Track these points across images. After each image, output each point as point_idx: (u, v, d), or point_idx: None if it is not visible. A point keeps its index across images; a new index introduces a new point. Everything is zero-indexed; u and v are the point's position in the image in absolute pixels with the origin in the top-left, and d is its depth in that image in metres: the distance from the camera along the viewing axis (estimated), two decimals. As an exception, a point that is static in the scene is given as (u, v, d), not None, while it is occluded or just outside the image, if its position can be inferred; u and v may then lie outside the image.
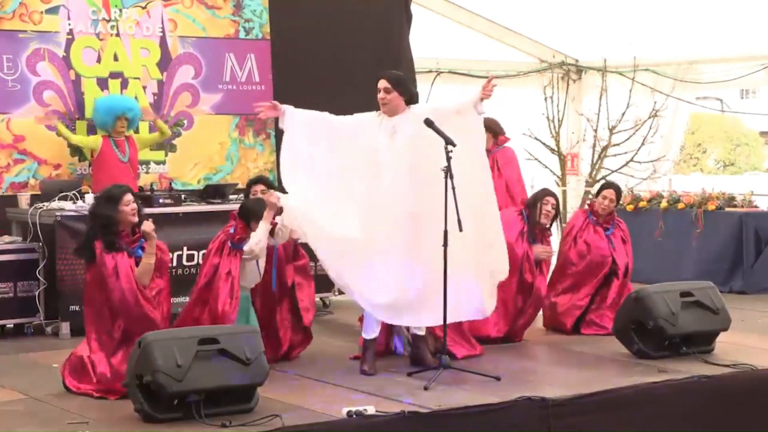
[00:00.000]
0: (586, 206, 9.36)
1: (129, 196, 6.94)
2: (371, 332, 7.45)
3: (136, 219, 6.96)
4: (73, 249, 7.08)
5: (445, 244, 7.01)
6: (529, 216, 8.48)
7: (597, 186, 14.19)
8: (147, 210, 8.75)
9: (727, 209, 11.33)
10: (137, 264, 6.89)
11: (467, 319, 7.61)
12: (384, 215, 7.30)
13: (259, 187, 8.09)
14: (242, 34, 10.80)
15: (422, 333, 7.59)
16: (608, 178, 14.24)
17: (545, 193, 8.60)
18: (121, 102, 9.89)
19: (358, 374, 7.29)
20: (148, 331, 6.37)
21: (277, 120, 10.88)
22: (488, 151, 9.40)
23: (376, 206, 7.32)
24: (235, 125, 10.77)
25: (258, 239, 7.40)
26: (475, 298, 7.44)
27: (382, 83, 7.42)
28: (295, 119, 7.58)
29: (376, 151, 7.38)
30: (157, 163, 10.36)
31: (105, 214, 6.89)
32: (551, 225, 8.65)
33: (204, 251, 9.04)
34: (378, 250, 7.29)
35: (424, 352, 7.56)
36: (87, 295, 6.98)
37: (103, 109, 9.77)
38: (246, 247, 7.40)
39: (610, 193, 9.06)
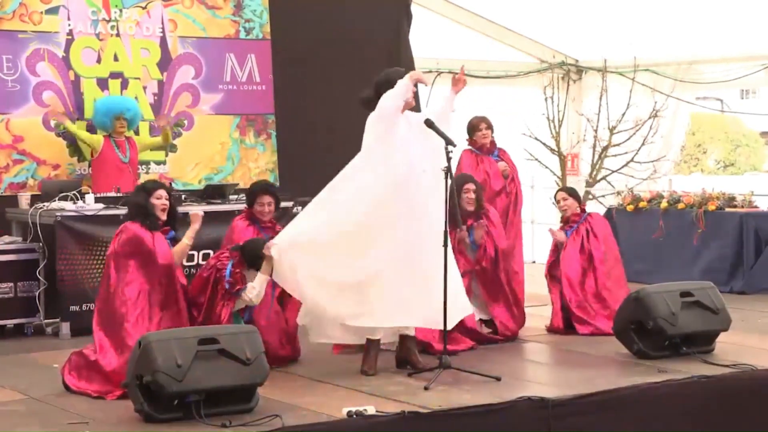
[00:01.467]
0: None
1: (162, 192, 7.21)
2: (376, 332, 7.42)
3: (164, 216, 7.18)
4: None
5: (445, 244, 7.02)
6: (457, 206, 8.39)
7: (598, 186, 14.30)
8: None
9: (727, 209, 11.32)
10: None
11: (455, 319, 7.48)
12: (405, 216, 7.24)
13: (266, 199, 7.91)
14: (242, 35, 10.81)
15: (412, 333, 7.54)
16: (608, 178, 14.30)
17: (463, 180, 8.48)
18: (119, 102, 9.89)
19: (358, 374, 7.28)
20: (172, 302, 7.01)
21: (277, 120, 10.92)
22: (491, 148, 9.41)
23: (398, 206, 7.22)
24: (235, 125, 10.77)
25: (257, 292, 7.29)
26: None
27: None
28: None
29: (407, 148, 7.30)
30: (158, 163, 10.37)
31: (137, 202, 7.18)
32: (479, 208, 8.53)
33: (204, 251, 9.11)
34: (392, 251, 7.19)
35: (411, 353, 7.51)
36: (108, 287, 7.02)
37: (101, 110, 9.79)
38: (245, 297, 7.30)
39: (560, 194, 9.28)
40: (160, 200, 7.17)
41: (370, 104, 7.35)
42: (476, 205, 8.51)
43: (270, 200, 7.94)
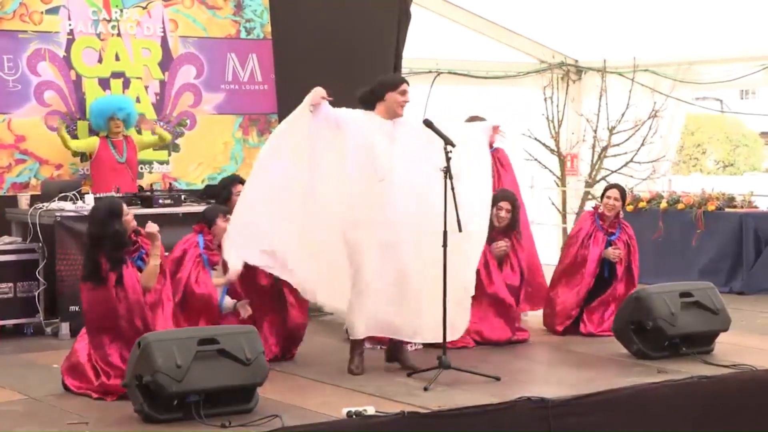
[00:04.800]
0: (592, 209, 9.34)
1: (124, 205, 6.92)
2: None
3: (135, 223, 6.92)
4: (82, 277, 6.85)
5: (445, 245, 7.02)
6: None
7: (597, 187, 14.30)
8: (147, 210, 8.81)
9: (726, 210, 11.33)
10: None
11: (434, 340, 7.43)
12: (384, 219, 7.26)
13: (240, 188, 8.03)
14: (243, 34, 10.81)
15: None
16: (608, 178, 14.28)
17: (502, 196, 8.52)
18: (112, 102, 9.86)
19: (358, 374, 7.30)
20: None
21: (280, 120, 10.91)
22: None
23: (373, 210, 7.25)
24: (238, 125, 10.78)
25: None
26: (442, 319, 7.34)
27: (407, 87, 7.45)
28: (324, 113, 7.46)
29: (375, 153, 7.29)
30: (160, 162, 10.36)
31: (114, 230, 6.74)
32: (511, 225, 8.58)
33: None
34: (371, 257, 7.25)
35: (401, 350, 7.54)
36: (91, 318, 6.85)
37: (95, 111, 9.79)
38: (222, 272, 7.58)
39: (614, 192, 9.02)
40: (128, 215, 6.85)
41: (368, 105, 7.43)
42: (509, 223, 8.54)
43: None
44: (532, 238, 9.52)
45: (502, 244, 8.47)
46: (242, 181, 8.17)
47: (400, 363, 7.50)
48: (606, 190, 9.17)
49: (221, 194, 8.30)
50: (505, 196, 8.57)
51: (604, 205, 9.03)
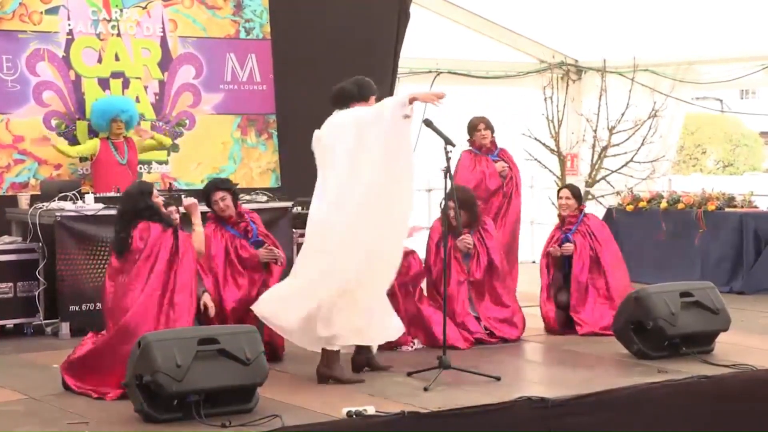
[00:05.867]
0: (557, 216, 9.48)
1: (156, 191, 7.19)
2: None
3: (164, 209, 7.18)
4: (113, 250, 7.01)
5: (445, 246, 7.02)
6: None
7: (597, 187, 14.31)
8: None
9: (727, 209, 11.33)
10: None
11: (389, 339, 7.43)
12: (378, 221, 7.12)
13: (219, 195, 7.86)
14: (243, 34, 10.81)
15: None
16: (608, 178, 14.29)
17: (449, 196, 8.07)
18: (114, 104, 9.86)
19: (357, 374, 7.29)
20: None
21: (278, 120, 10.90)
22: (491, 148, 9.46)
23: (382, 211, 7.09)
24: (236, 125, 10.78)
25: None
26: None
27: None
28: None
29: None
30: (160, 163, 10.36)
31: (147, 205, 7.00)
32: (473, 220, 8.46)
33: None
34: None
35: (370, 356, 7.42)
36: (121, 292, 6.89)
37: (97, 112, 9.79)
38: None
39: (564, 192, 9.19)
40: (158, 198, 7.15)
41: (346, 100, 7.21)
42: (457, 222, 8.41)
43: (223, 195, 7.86)
44: (517, 256, 9.56)
45: (468, 239, 8.40)
46: (220, 188, 7.90)
47: (370, 367, 7.40)
48: (558, 191, 9.36)
49: (206, 203, 8.01)
50: (451, 195, 8.41)
51: (559, 206, 9.21)
